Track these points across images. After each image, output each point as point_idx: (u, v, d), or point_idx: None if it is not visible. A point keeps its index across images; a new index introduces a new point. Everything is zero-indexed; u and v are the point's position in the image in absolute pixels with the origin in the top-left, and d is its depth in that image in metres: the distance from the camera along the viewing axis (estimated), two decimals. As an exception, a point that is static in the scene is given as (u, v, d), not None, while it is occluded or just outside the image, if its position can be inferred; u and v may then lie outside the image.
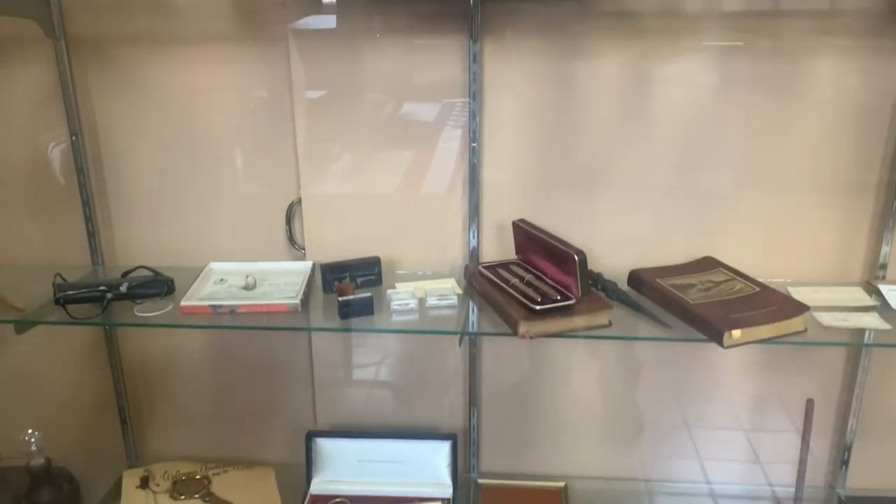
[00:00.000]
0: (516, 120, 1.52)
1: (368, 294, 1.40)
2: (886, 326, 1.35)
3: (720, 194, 1.54)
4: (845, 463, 1.68)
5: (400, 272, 1.61)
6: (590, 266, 1.55)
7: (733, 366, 1.66)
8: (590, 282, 1.50)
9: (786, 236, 1.55)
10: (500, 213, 1.57)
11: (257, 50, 1.51)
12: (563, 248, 1.36)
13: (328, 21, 1.50)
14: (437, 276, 1.59)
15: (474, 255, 1.60)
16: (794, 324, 1.32)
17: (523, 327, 1.31)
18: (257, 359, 1.75)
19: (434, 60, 1.49)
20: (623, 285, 1.52)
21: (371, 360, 1.72)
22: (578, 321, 1.34)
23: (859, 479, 1.70)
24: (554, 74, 1.49)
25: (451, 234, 1.60)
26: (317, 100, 1.53)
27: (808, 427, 1.53)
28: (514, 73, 1.49)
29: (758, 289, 1.42)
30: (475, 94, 1.48)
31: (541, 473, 1.76)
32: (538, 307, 1.32)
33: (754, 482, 1.74)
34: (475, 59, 1.46)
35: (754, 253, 1.56)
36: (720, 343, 1.27)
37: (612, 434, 1.74)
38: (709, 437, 1.73)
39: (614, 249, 1.58)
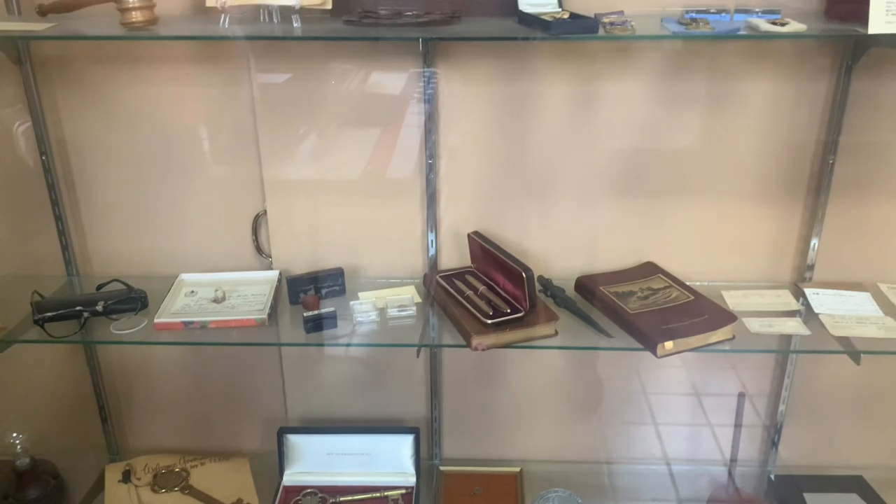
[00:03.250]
0: (471, 136, 1.60)
1: (332, 309, 1.50)
2: (806, 332, 1.48)
3: (661, 203, 1.64)
4: (775, 445, 1.83)
5: (364, 279, 1.71)
6: (541, 271, 1.67)
7: (678, 359, 1.78)
8: (540, 288, 1.62)
9: (722, 241, 1.66)
10: (458, 221, 1.67)
11: (220, 66, 1.56)
12: (512, 263, 1.46)
13: (288, 44, 1.55)
14: (399, 281, 1.68)
15: (433, 262, 1.70)
16: (724, 332, 1.45)
17: (475, 340, 1.42)
18: (231, 357, 1.85)
19: (391, 82, 1.56)
20: (571, 291, 1.63)
21: (338, 358, 1.82)
22: (527, 332, 1.45)
23: (788, 458, 1.85)
24: (505, 94, 1.56)
25: (412, 241, 1.70)
26: (278, 115, 1.60)
27: (739, 416, 1.67)
28: (468, 94, 1.56)
29: (692, 297, 1.54)
30: (430, 114, 1.56)
31: (500, 458, 1.90)
32: (490, 321, 1.43)
33: (695, 462, 1.89)
34: (429, 82, 1.53)
35: (693, 257, 1.68)
36: (654, 353, 1.39)
37: (566, 419, 1.88)
38: (654, 423, 1.87)
39: (565, 254, 1.69)
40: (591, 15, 1.38)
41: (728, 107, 1.56)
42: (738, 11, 1.36)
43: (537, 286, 1.64)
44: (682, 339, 1.41)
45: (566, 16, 1.31)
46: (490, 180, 1.64)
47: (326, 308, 1.50)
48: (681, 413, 1.86)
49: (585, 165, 1.62)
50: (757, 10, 1.35)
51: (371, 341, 1.52)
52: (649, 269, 1.65)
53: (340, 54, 1.55)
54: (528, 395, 1.85)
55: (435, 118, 1.57)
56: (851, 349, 1.45)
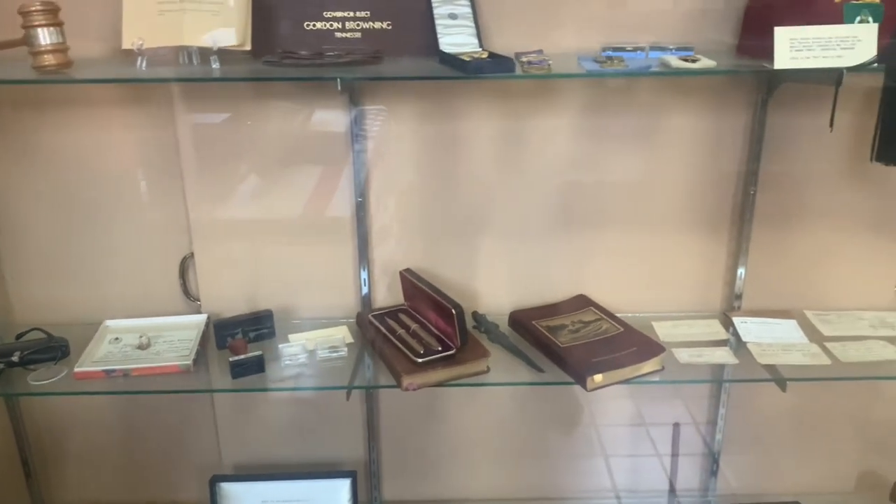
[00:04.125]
0: (401, 174, 1.60)
1: (259, 353, 1.46)
2: (734, 361, 1.50)
3: (591, 236, 1.66)
4: (714, 473, 1.84)
5: (297, 320, 1.68)
6: (476, 307, 1.66)
7: (621, 389, 1.79)
8: (474, 324, 1.61)
9: (652, 272, 1.68)
10: (392, 259, 1.66)
11: (143, 108, 1.54)
12: (442, 300, 1.45)
13: (213, 85, 1.54)
14: (332, 322, 1.66)
15: (367, 302, 1.68)
16: (652, 364, 1.45)
17: (406, 380, 1.40)
18: (162, 404, 1.79)
19: (319, 123, 1.55)
20: (505, 326, 1.63)
21: (272, 402, 1.78)
22: (458, 370, 1.44)
23: (728, 485, 1.86)
24: (435, 132, 1.57)
25: (345, 280, 1.68)
26: (204, 156, 1.58)
27: (675, 446, 1.67)
28: (397, 132, 1.57)
29: (622, 329, 1.55)
30: (358, 153, 1.55)
31: (442, 499, 1.87)
32: (420, 360, 1.41)
33: (639, 493, 1.89)
34: (356, 122, 1.53)
35: (624, 288, 1.69)
36: (584, 387, 1.39)
37: (509, 456, 1.86)
38: (598, 456, 1.86)
39: (499, 289, 1.69)
40: (512, 54, 1.40)
41: (653, 141, 1.59)
42: (653, 49, 1.39)
43: (471, 322, 1.63)
44: (611, 371, 1.41)
45: (485, 55, 1.32)
46: (422, 217, 1.64)
47: (254, 352, 1.47)
48: (625, 444, 1.86)
49: (516, 201, 1.63)
50: (672, 47, 1.38)
51: (301, 384, 1.49)
52: (581, 302, 1.66)
53: (266, 95, 1.54)
54: (469, 433, 1.83)
55: (363, 157, 1.57)
56: (778, 377, 1.46)
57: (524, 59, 1.34)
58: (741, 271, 1.66)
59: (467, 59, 1.29)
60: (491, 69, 1.27)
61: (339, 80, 1.24)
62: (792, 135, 1.55)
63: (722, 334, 1.60)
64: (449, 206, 1.63)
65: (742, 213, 1.62)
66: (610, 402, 1.80)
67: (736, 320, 1.62)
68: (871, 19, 1.24)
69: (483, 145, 1.58)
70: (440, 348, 1.44)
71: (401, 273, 1.60)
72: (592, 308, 1.64)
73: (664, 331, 1.60)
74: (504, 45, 1.47)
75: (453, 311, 1.41)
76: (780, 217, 1.63)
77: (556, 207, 1.64)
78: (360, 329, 1.61)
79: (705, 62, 1.27)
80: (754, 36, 1.34)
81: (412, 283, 1.55)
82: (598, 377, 1.39)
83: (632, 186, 1.62)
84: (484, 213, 1.64)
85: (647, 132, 1.58)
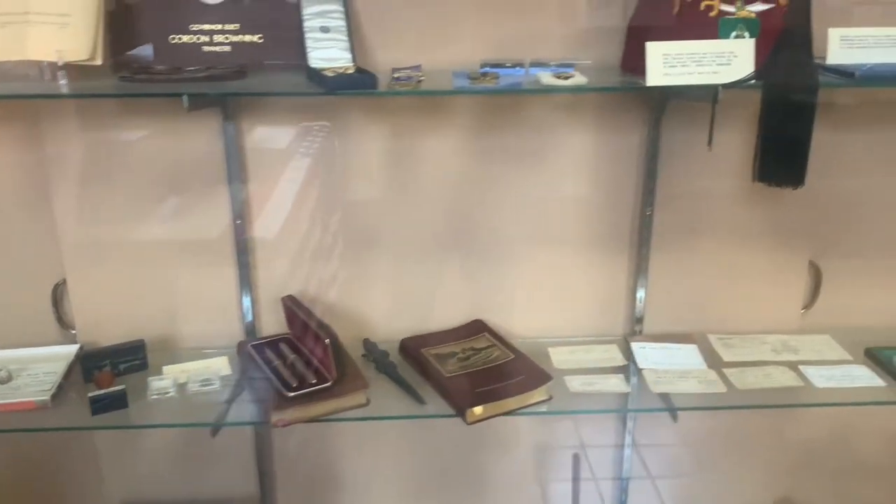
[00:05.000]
0: (283, 194, 1.52)
1: (121, 388, 1.37)
2: (626, 389, 1.43)
3: (488, 258, 1.59)
4: (623, 502, 1.77)
5: (179, 350, 1.59)
6: (369, 334, 1.59)
7: (515, 420, 1.72)
8: (364, 352, 1.53)
9: (552, 296, 1.62)
10: (278, 284, 1.57)
11: (4, 128, 1.45)
12: (317, 329, 1.37)
13: (82, 102, 1.45)
14: (217, 351, 1.57)
15: (251, 329, 1.59)
16: (539, 393, 1.38)
17: (275, 416, 1.31)
18: (40, 441, 1.68)
19: (194, 138, 1.47)
20: (396, 354, 1.55)
21: (159, 439, 1.68)
22: (334, 404, 1.36)
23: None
24: (317, 150, 1.50)
25: (228, 307, 1.59)
26: (74, 178, 1.48)
27: (576, 479, 1.60)
28: (276, 150, 1.49)
29: (512, 356, 1.48)
30: (236, 172, 1.47)
31: (339, 535, 1.78)
32: (291, 394, 1.33)
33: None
34: (233, 139, 1.45)
35: (523, 312, 1.63)
36: (464, 420, 1.32)
37: (410, 490, 1.77)
38: (495, 489, 1.78)
39: (393, 315, 1.61)
40: (390, 69, 1.34)
41: (548, 160, 1.53)
42: (534, 65, 1.33)
43: (361, 350, 1.56)
44: (493, 402, 1.34)
45: (351, 71, 1.25)
46: (309, 240, 1.56)
47: (116, 387, 1.37)
48: (531, 472, 1.79)
49: (408, 222, 1.56)
50: (552, 63, 1.32)
51: (170, 420, 1.39)
52: (476, 328, 1.59)
53: (138, 112, 1.45)
54: (367, 465, 1.74)
55: (241, 176, 1.49)
56: (670, 406, 1.41)
57: (396, 74, 1.28)
58: (641, 294, 1.60)
59: (331, 74, 1.22)
60: (352, 85, 1.20)
61: (185, 97, 1.15)
62: (687, 152, 1.50)
63: (619, 360, 1.54)
64: (339, 228, 1.56)
65: (640, 234, 1.57)
66: (513, 429, 1.72)
67: (634, 346, 1.56)
68: (747, 34, 1.20)
69: (371, 163, 1.51)
70: (314, 381, 1.36)
71: (282, 300, 1.51)
72: (487, 334, 1.57)
73: (560, 357, 1.54)
74: (389, 59, 1.40)
75: (326, 340, 1.33)
76: (679, 237, 1.58)
77: (450, 228, 1.57)
78: (240, 360, 1.52)
79: (578, 79, 1.22)
80: (635, 52, 1.28)
81: (291, 309, 1.47)
82: (479, 409, 1.32)
83: (528, 207, 1.56)
84: (376, 234, 1.57)
85: (541, 151, 1.52)
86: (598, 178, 1.54)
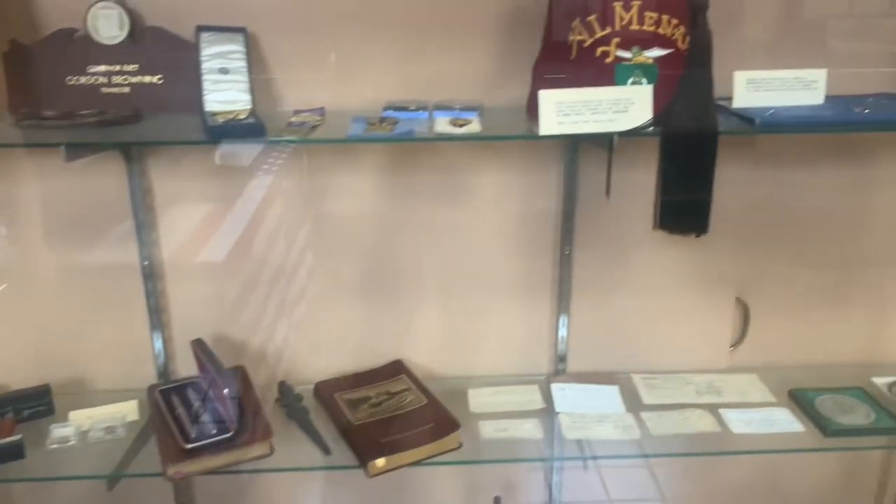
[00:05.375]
0: (194, 233, 1.49)
1: (17, 438, 1.33)
2: (539, 436, 1.40)
3: (411, 298, 1.56)
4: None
5: (91, 393, 1.55)
6: (285, 376, 1.55)
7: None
8: (278, 396, 1.50)
9: (474, 335, 1.59)
10: (194, 326, 1.53)
11: None
12: (218, 377, 1.33)
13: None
14: (131, 394, 1.53)
15: (164, 372, 1.56)
16: (448, 442, 1.35)
17: (171, 468, 1.28)
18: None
19: (100, 179, 1.43)
20: (312, 398, 1.52)
21: (71, 491, 1.63)
22: (236, 454, 1.32)
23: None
24: (229, 189, 1.47)
25: (140, 350, 1.55)
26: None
27: (498, 523, 1.57)
28: (186, 190, 1.46)
29: (426, 401, 1.45)
30: (142, 212, 1.44)
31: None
32: (188, 445, 1.29)
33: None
34: (137, 180, 1.42)
35: (445, 353, 1.60)
36: (365, 472, 1.28)
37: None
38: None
39: (312, 356, 1.59)
40: (292, 110, 1.31)
41: (466, 199, 1.51)
42: (438, 108, 1.30)
43: (276, 394, 1.52)
44: (398, 453, 1.31)
45: (243, 116, 1.22)
46: (224, 280, 1.53)
47: (13, 437, 1.33)
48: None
49: (328, 262, 1.53)
50: (457, 106, 1.29)
51: (68, 471, 1.35)
52: (394, 370, 1.56)
53: (41, 154, 1.42)
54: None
55: (148, 218, 1.46)
56: (583, 455, 1.37)
57: (292, 118, 1.25)
58: (563, 333, 1.57)
59: (220, 120, 1.19)
60: (237, 134, 1.17)
61: (64, 147, 1.11)
62: (599, 194, 1.46)
63: (538, 403, 1.51)
64: (254, 267, 1.52)
65: (561, 273, 1.54)
66: (430, 472, 1.69)
67: (555, 387, 1.53)
68: (644, 81, 1.17)
69: (286, 202, 1.48)
70: (215, 431, 1.32)
71: (191, 344, 1.48)
72: (405, 376, 1.54)
73: (480, 399, 1.51)
74: (297, 98, 1.38)
75: (225, 390, 1.30)
76: (601, 276, 1.55)
77: (371, 268, 1.54)
78: (149, 404, 1.49)
79: (472, 127, 1.19)
80: (536, 96, 1.25)
81: (198, 354, 1.44)
82: (381, 461, 1.29)
83: (447, 246, 1.53)
84: (293, 274, 1.54)
85: (458, 189, 1.50)
86: (516, 216, 1.51)
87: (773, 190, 1.51)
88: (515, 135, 1.29)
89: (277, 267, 1.53)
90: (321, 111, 1.30)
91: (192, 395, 1.45)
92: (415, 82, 1.40)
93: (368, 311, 1.57)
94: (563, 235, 1.51)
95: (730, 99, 1.25)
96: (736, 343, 1.63)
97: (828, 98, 1.26)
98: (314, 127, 1.21)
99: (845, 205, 1.53)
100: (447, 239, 1.52)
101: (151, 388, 1.51)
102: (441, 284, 1.56)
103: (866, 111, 1.23)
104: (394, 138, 1.18)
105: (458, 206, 1.50)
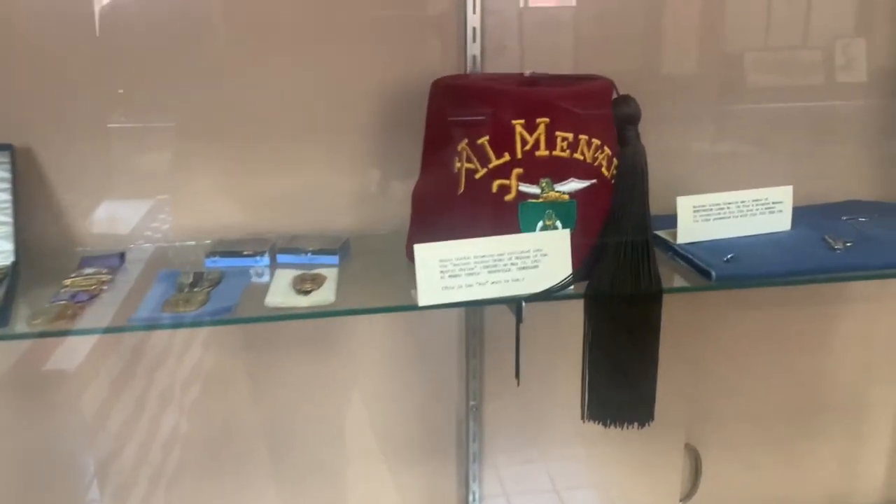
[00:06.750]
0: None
1: None
2: None
3: (304, 475, 1.19)
4: None
5: None
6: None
7: None
8: None
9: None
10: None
11: None
12: None
13: None
14: None
15: None
16: None
17: None
18: None
19: None
20: None
21: None
22: None
23: None
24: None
25: None
26: None
27: None
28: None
29: None
30: None
31: None
32: None
33: None
34: None
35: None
36: None
37: None
38: None
39: None
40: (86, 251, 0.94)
41: (355, 362, 1.16)
42: (283, 251, 0.94)
43: None
44: None
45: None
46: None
47: None
48: None
49: (206, 441, 1.16)
50: (309, 249, 0.94)
51: None
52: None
53: None
54: None
55: None
56: None
57: (72, 279, 0.87)
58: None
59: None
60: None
61: None
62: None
63: None
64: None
65: (466, 431, 1.20)
66: None
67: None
68: (559, 223, 0.84)
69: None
70: None
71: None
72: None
73: None
74: (97, 232, 1.01)
75: None
76: (520, 430, 1.22)
77: (260, 445, 1.18)
78: None
79: (323, 294, 0.83)
80: (417, 235, 0.91)
81: None
82: None
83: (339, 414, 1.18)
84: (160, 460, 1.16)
85: (347, 344, 1.14)
86: (417, 379, 1.18)
87: (725, 330, 1.23)
88: (380, 307, 0.90)
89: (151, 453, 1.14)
90: (120, 258, 0.93)
91: None
92: (264, 201, 1.05)
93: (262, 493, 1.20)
94: (468, 389, 1.17)
95: (672, 229, 0.95)
96: (686, 496, 1.33)
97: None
98: (93, 296, 0.83)
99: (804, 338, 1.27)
100: (337, 404, 1.17)
101: None
102: (334, 457, 1.20)
103: (848, 244, 0.94)
104: (198, 322, 0.80)
105: (350, 366, 1.15)
